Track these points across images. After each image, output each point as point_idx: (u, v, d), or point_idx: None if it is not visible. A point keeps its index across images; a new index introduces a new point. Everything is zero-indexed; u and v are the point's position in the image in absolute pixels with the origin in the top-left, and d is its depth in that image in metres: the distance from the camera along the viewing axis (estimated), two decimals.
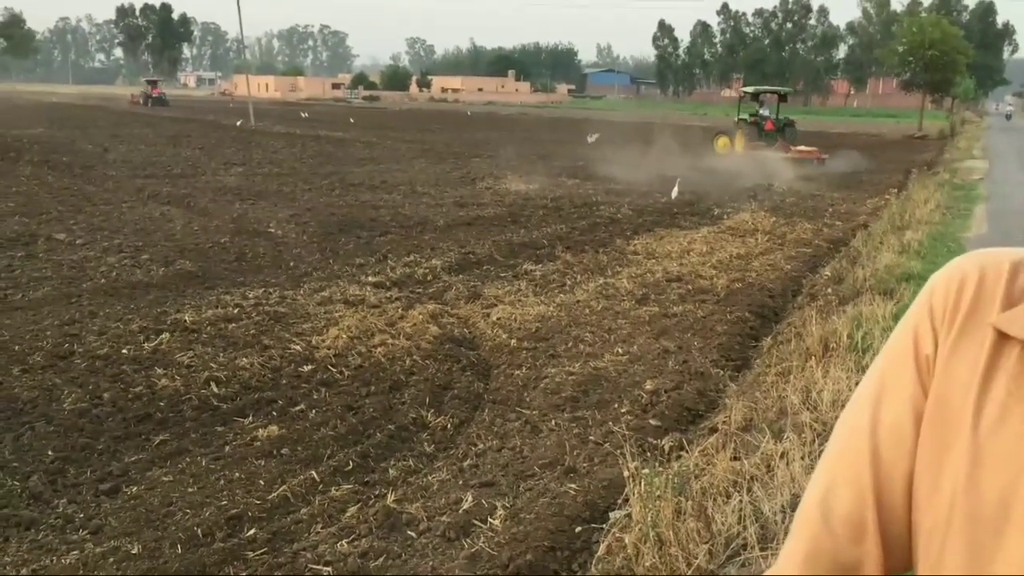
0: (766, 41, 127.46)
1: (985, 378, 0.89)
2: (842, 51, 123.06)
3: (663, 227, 13.74)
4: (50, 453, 5.07)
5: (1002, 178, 20.82)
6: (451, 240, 12.18)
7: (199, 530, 4.28)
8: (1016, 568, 0.82)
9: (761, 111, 29.07)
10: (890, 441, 0.94)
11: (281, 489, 4.73)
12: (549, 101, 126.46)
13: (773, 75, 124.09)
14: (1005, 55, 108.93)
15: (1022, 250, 0.94)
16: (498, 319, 8.17)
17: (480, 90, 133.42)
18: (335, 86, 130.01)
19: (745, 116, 28.96)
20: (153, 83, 69.28)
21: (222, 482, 4.85)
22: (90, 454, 5.12)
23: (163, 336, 7.16)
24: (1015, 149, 31.64)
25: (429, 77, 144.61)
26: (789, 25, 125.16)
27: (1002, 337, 0.90)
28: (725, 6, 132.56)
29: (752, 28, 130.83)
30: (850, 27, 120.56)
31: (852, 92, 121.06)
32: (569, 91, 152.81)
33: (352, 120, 47.24)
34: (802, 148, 27.37)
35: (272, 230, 12.52)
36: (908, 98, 77.37)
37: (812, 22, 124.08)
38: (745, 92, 31.05)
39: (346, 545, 4.16)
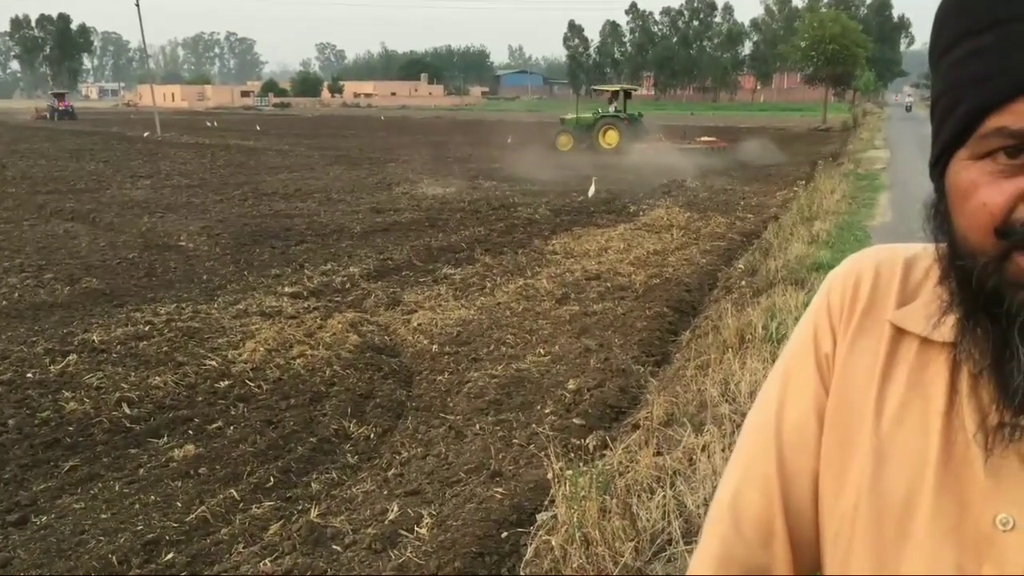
0: (674, 39, 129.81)
1: (884, 374, 0.90)
2: (747, 47, 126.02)
3: (581, 226, 13.84)
4: None
5: (903, 166, 21.57)
6: (369, 247, 12.06)
7: (114, 557, 4.13)
8: (922, 568, 0.83)
9: (610, 108, 31.11)
10: (794, 441, 0.94)
11: (200, 510, 4.60)
12: (463, 103, 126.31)
13: (681, 72, 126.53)
14: (902, 47, 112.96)
15: (915, 246, 0.96)
16: (419, 325, 8.12)
17: (393, 94, 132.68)
18: (244, 94, 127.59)
19: (588, 114, 30.86)
20: (60, 95, 65.68)
21: (137, 506, 4.70)
22: None
23: (70, 358, 6.91)
24: (915, 138, 32.81)
25: (341, 83, 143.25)
26: (696, 23, 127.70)
27: (899, 332, 0.91)
28: (633, 5, 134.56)
29: (660, 27, 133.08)
30: (754, 24, 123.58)
31: (758, 87, 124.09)
32: (483, 93, 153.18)
33: (259, 127, 46.49)
34: (704, 139, 28.98)
35: (183, 243, 12.22)
36: (812, 91, 79.67)
37: (718, 20, 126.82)
38: (599, 90, 34.80)
39: (269, 564, 4.07)
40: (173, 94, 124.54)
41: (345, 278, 10.02)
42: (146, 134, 40.25)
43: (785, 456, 0.94)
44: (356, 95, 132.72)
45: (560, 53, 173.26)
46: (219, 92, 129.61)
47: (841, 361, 0.93)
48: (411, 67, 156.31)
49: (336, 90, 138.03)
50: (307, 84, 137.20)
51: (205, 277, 10.17)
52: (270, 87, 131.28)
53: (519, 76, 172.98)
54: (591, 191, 17.22)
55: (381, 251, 11.69)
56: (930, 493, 0.84)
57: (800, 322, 0.99)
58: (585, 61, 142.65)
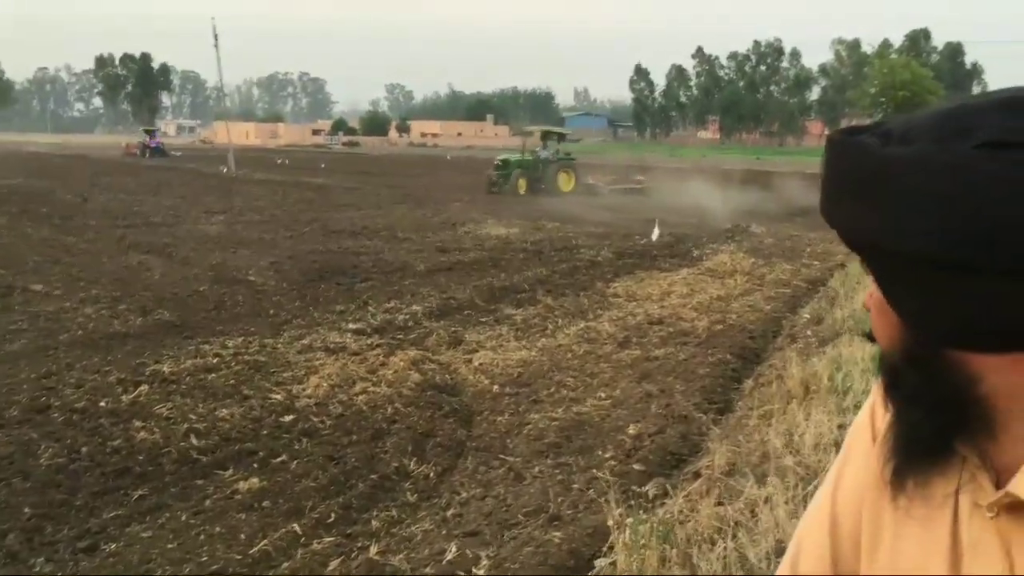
0: (740, 83, 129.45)
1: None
2: (815, 92, 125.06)
3: (643, 269, 13.81)
4: (27, 510, 4.98)
5: None
6: (432, 285, 12.19)
7: None
8: None
9: (539, 152, 31.46)
10: (846, 508, 0.97)
11: (262, 543, 4.66)
12: (528, 145, 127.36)
13: (747, 116, 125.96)
14: (975, 93, 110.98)
15: None
16: (480, 365, 8.16)
17: (459, 135, 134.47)
18: (315, 132, 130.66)
19: (520, 156, 31.17)
20: (151, 132, 65.08)
21: (202, 537, 4.78)
22: (68, 510, 5.04)
23: (141, 388, 7.09)
24: None
25: (408, 122, 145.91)
26: (763, 68, 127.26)
27: None
28: (700, 50, 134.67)
29: (726, 71, 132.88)
30: (822, 69, 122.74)
31: (826, 132, 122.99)
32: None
33: (323, 165, 47.41)
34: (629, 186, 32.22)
35: (252, 278, 12.49)
36: None
37: (785, 64, 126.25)
38: (530, 131, 36.21)
39: None
40: (248, 132, 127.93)
41: (408, 316, 10.13)
42: (223, 169, 41.34)
43: (838, 523, 0.97)
44: (423, 135, 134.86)
45: (625, 95, 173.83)
46: (291, 130, 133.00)
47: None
48: (477, 108, 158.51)
49: (404, 129, 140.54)
50: (375, 123, 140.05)
51: (272, 312, 10.36)
52: (340, 126, 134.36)
53: (584, 118, 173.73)
54: (654, 234, 17.19)
55: (444, 290, 11.80)
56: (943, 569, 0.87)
57: (871, 394, 1.01)
58: (650, 104, 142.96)
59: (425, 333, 9.40)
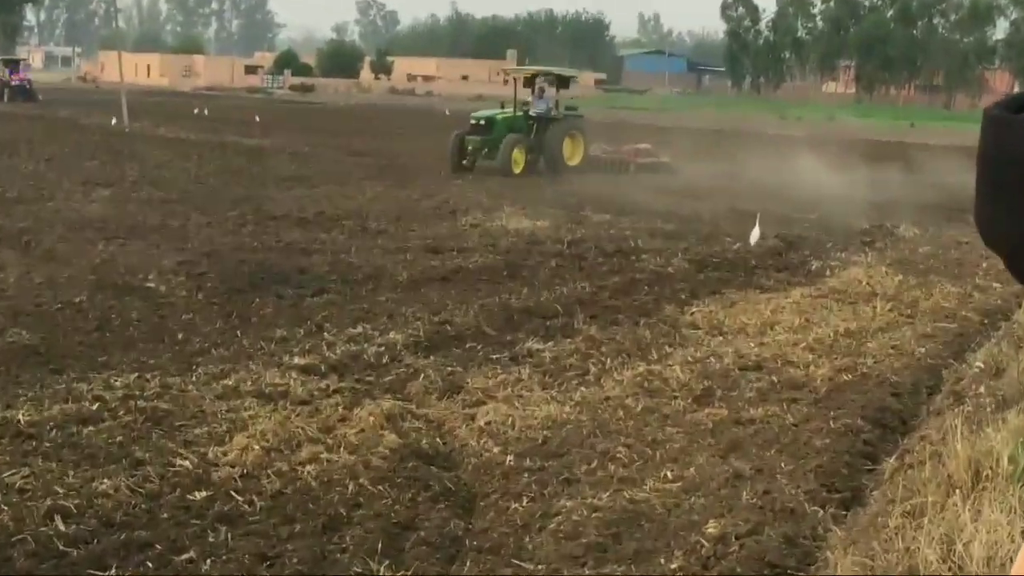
0: (888, 12, 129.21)
1: None
2: (1001, 29, 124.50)
3: (735, 288, 13.84)
4: None
5: None
6: (419, 303, 12.24)
7: None
8: None
9: (535, 102, 31.11)
10: None
11: None
12: (567, 96, 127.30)
13: (899, 62, 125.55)
14: None
15: None
16: (487, 424, 8.19)
17: (465, 78, 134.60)
18: (250, 70, 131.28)
19: (510, 112, 30.66)
20: (13, 64, 63.65)
21: None
22: None
23: None
24: None
25: (390, 59, 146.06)
26: None
27: None
28: None
29: None
30: None
31: (1016, 89, 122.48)
32: (597, 82, 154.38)
33: (259, 119, 47.76)
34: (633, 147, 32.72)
35: (151, 284, 12.59)
36: None
37: None
38: (513, 73, 35.84)
39: None
40: (149, 66, 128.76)
41: (382, 348, 10.17)
42: (113, 122, 41.57)
43: None
44: (411, 77, 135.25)
45: (715, 27, 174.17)
46: (214, 66, 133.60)
47: None
48: (493, 40, 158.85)
49: (382, 69, 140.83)
50: (341, 59, 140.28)
51: (181, 336, 10.43)
52: (287, 61, 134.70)
53: (652, 58, 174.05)
54: (754, 235, 17.20)
55: (437, 311, 11.85)
56: None
57: None
58: (753, 41, 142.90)
59: (407, 375, 9.44)
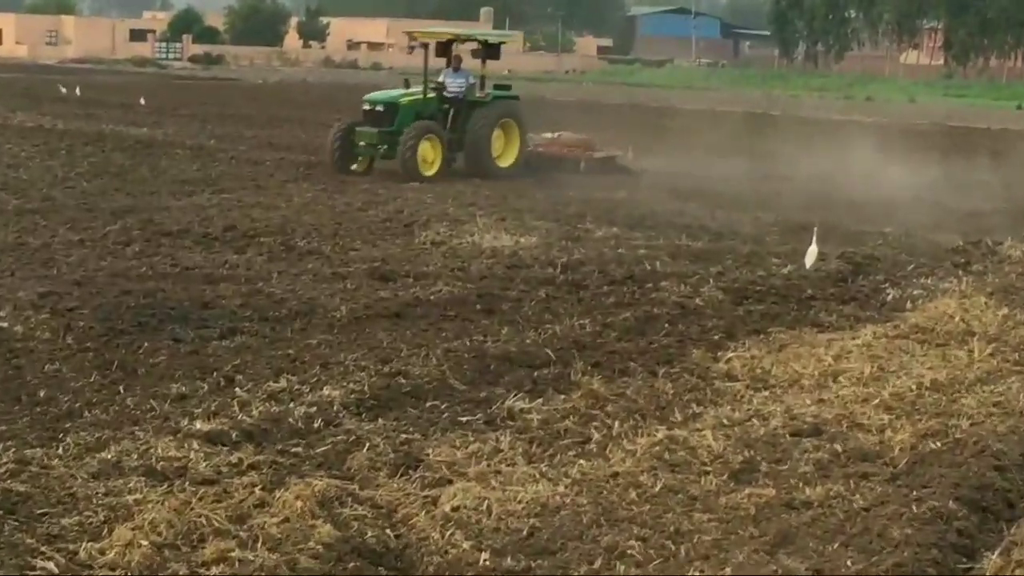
0: None
1: None
2: None
3: (786, 325, 13.87)
4: None
5: None
6: (363, 347, 12.24)
7: None
8: None
9: (450, 78, 30.48)
10: None
11: None
12: (563, 69, 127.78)
13: (999, 22, 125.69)
14: None
15: None
16: (454, 510, 8.16)
17: (424, 46, 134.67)
18: (137, 35, 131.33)
19: (415, 93, 30.04)
20: None
21: None
22: None
23: None
24: None
25: (324, 20, 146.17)
26: None
27: None
28: None
29: None
30: None
31: None
32: (601, 50, 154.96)
33: (143, 101, 47.53)
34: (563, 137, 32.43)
35: (3, 324, 12.51)
36: None
37: None
38: (420, 37, 35.02)
39: None
40: (2, 31, 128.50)
41: (314, 408, 10.11)
42: None
43: None
44: (352, 44, 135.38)
45: None
46: (89, 30, 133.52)
47: None
48: None
49: (313, 33, 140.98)
50: (258, 20, 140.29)
51: (43, 393, 10.33)
52: (186, 24, 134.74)
53: (674, 19, 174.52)
54: (810, 256, 17.20)
55: (386, 358, 11.83)
56: None
57: None
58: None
59: (347, 444, 9.39)
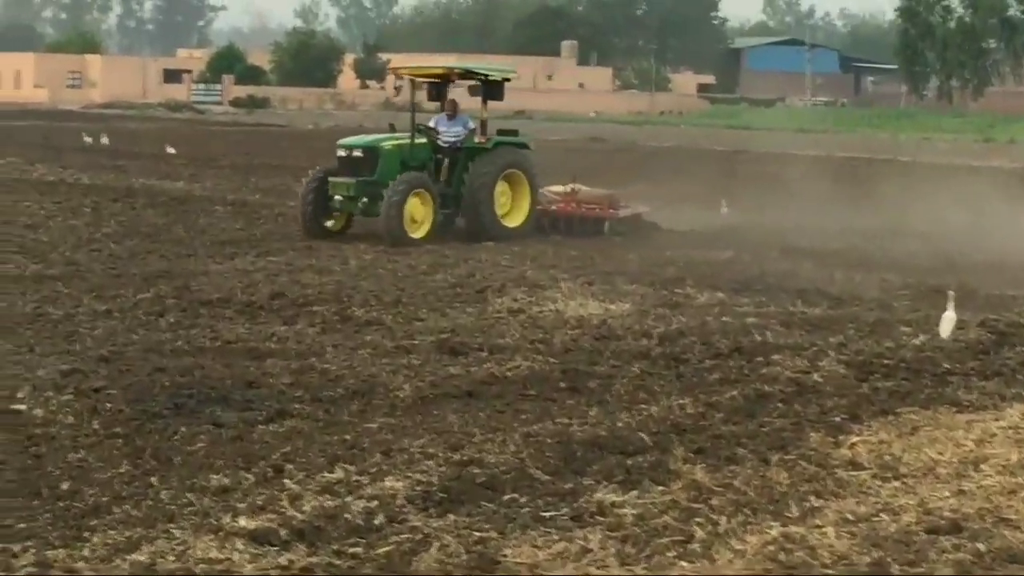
0: None
1: None
2: None
3: (919, 404, 13.76)
4: None
5: None
6: (430, 432, 12.22)
7: None
8: None
9: (442, 123, 29.74)
10: None
11: None
12: (657, 110, 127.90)
13: None
14: None
15: None
16: None
17: None
18: (172, 76, 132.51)
19: (401, 138, 29.16)
20: None
21: None
22: None
23: None
24: None
25: (384, 57, 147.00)
26: None
27: None
28: None
29: None
30: None
31: None
32: (701, 88, 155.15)
33: (172, 150, 47.83)
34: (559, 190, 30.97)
35: (21, 407, 12.60)
36: None
37: None
38: (407, 74, 32.80)
39: None
40: (19, 72, 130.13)
41: (374, 503, 10.11)
42: None
43: None
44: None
45: (880, 6, 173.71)
46: (117, 70, 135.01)
47: None
48: (540, 27, 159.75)
49: (371, 72, 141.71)
50: (309, 57, 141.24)
51: (66, 486, 10.36)
52: (228, 62, 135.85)
53: (785, 52, 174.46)
54: (946, 324, 17.10)
55: (457, 443, 11.83)
56: None
57: None
58: (940, 23, 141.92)
59: (413, 543, 9.38)
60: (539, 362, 15.19)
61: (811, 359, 15.64)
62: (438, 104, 31.03)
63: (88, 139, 55.07)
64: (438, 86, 30.56)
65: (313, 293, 19.41)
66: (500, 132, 30.63)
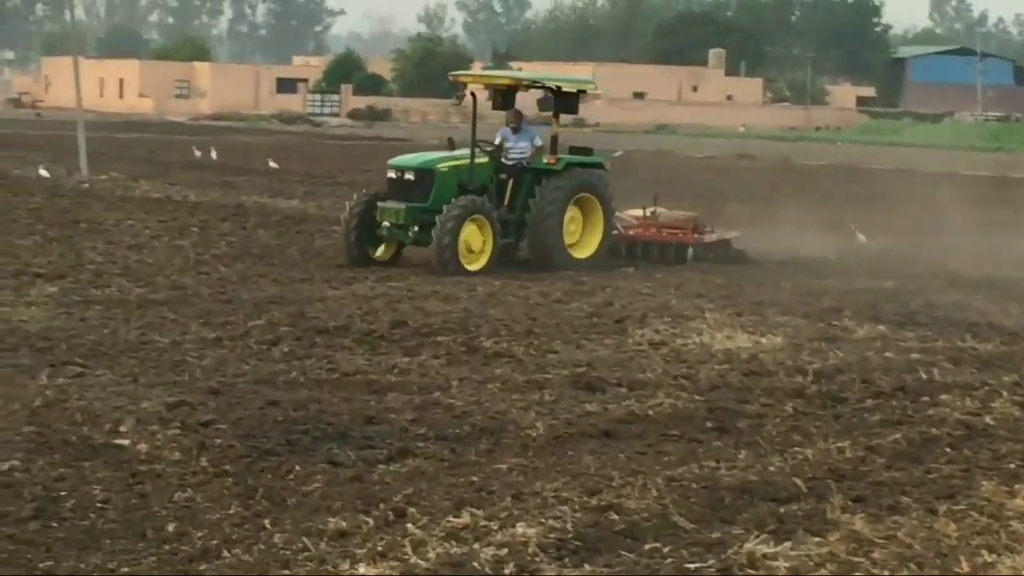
0: None
1: None
2: None
3: None
4: None
5: None
6: (564, 473, 12.25)
7: None
8: None
9: (508, 141, 29.08)
10: None
11: None
12: (812, 125, 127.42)
13: None
14: None
15: None
16: None
17: (640, 96, 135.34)
18: (285, 84, 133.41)
19: (457, 158, 28.30)
20: None
21: None
22: None
23: None
24: None
25: (516, 66, 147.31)
26: None
27: None
28: None
29: None
30: None
31: None
32: (861, 101, 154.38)
33: (274, 164, 48.09)
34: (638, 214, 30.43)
35: (124, 442, 12.73)
36: None
37: None
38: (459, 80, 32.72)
39: None
40: (122, 81, 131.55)
41: (504, 551, 10.12)
42: (67, 174, 42.30)
43: None
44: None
45: None
46: (227, 79, 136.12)
47: None
48: (685, 33, 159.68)
49: None
50: (433, 68, 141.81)
51: (172, 527, 10.47)
52: (344, 71, 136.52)
53: (953, 62, 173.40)
54: None
55: (593, 487, 11.81)
56: None
57: None
58: None
59: None
60: (683, 400, 15.16)
61: (983, 399, 15.53)
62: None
63: (197, 153, 55.57)
64: (504, 94, 29.62)
65: (437, 322, 19.50)
66: (573, 150, 30.17)
